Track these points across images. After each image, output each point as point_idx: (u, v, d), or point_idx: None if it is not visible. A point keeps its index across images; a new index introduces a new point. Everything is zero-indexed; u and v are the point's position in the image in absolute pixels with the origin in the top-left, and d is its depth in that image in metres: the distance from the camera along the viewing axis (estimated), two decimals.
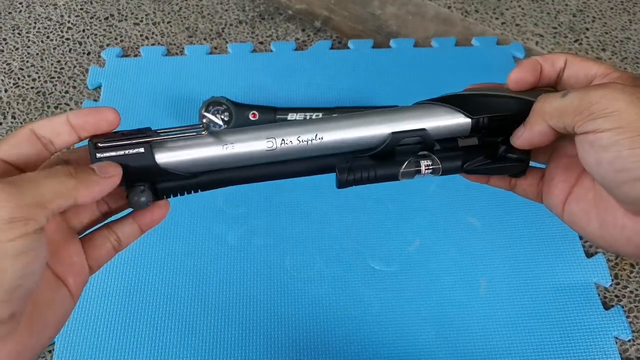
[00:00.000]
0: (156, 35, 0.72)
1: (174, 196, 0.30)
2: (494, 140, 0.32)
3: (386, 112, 0.31)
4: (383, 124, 0.31)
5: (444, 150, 0.32)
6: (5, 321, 0.24)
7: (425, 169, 0.31)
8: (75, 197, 0.26)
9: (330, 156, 0.31)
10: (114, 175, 0.28)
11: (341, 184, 0.30)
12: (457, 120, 0.31)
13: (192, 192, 0.30)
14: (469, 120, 0.31)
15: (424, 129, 0.31)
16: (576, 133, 0.28)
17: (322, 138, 0.30)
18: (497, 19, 0.76)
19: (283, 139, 0.30)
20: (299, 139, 0.30)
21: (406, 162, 0.31)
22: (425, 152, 0.31)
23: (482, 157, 0.32)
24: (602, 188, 0.29)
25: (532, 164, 0.34)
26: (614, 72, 0.30)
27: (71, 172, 0.26)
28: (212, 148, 0.29)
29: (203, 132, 0.29)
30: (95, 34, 0.72)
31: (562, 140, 0.32)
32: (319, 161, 0.31)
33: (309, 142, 0.30)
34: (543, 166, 0.35)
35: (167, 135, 0.29)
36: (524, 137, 0.30)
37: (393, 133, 0.30)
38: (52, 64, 0.69)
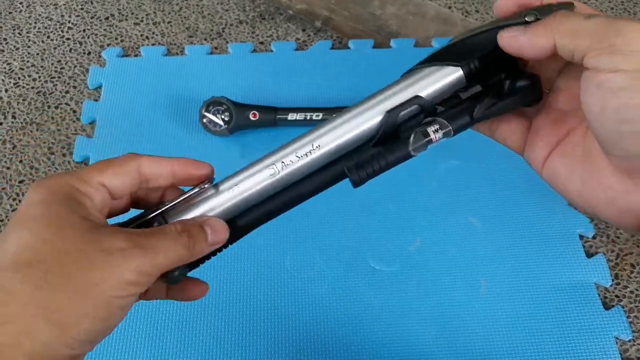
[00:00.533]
0: (156, 35, 0.72)
1: (207, 260, 0.30)
2: (498, 80, 0.30)
3: (374, 95, 0.30)
4: (374, 107, 0.29)
5: (448, 108, 0.30)
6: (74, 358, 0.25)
7: (435, 135, 0.29)
8: (183, 262, 0.27)
9: (339, 161, 0.30)
10: (220, 243, 0.29)
11: (355, 183, 0.29)
12: (447, 73, 0.29)
13: (223, 248, 0.30)
14: (458, 68, 0.29)
15: (417, 96, 0.29)
16: (585, 66, 0.25)
17: (319, 146, 0.29)
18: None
19: (282, 161, 0.29)
20: (297, 155, 0.29)
21: (412, 136, 0.29)
22: (429, 119, 0.29)
23: (488, 99, 0.29)
24: (592, 145, 0.28)
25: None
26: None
27: (189, 244, 0.27)
28: (220, 197, 0.29)
29: (206, 186, 0.29)
30: (96, 34, 0.72)
31: (552, 93, 0.30)
32: (330, 170, 0.30)
33: (309, 154, 0.29)
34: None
35: (174, 202, 0.29)
36: (519, 40, 0.27)
37: (387, 112, 0.29)
38: (52, 64, 0.69)
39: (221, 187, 0.29)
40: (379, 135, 0.29)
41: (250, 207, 0.30)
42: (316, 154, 0.29)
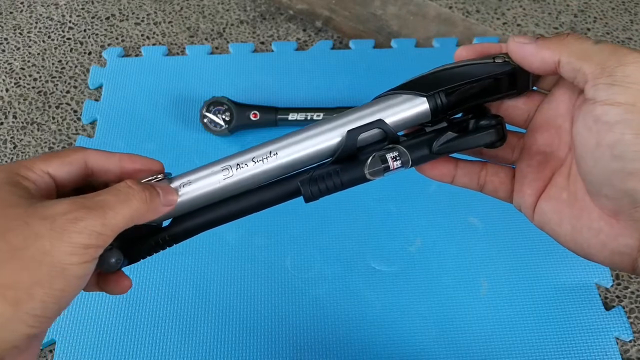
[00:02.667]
0: (157, 35, 0.72)
1: (148, 255, 0.30)
2: (464, 118, 0.29)
3: (341, 114, 0.29)
4: (337, 126, 0.29)
5: (410, 139, 0.29)
6: (33, 339, 0.24)
7: (393, 162, 0.28)
8: (140, 218, 0.27)
9: (295, 176, 0.29)
10: (172, 205, 0.29)
11: (307, 198, 0.29)
12: (412, 103, 0.29)
13: (166, 246, 0.30)
14: (424, 99, 0.29)
15: (379, 120, 0.29)
16: (585, 96, 0.25)
17: (276, 154, 0.29)
18: (498, 19, 0.76)
19: (238, 164, 0.29)
20: (253, 159, 0.29)
21: (370, 159, 0.28)
22: (390, 145, 0.29)
23: (448, 134, 0.29)
24: (576, 187, 0.28)
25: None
26: None
27: (146, 199, 0.27)
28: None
29: (159, 177, 0.29)
30: (97, 34, 0.72)
31: (531, 134, 0.30)
32: (285, 185, 0.29)
33: (265, 160, 0.29)
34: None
35: None
36: (525, 48, 0.27)
37: (348, 131, 0.28)
38: (53, 64, 0.69)
39: (174, 183, 0.29)
40: (338, 154, 0.29)
41: (200, 208, 0.30)
42: (273, 162, 0.29)
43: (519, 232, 0.56)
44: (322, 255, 0.55)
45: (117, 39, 0.72)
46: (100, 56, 0.70)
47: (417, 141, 0.29)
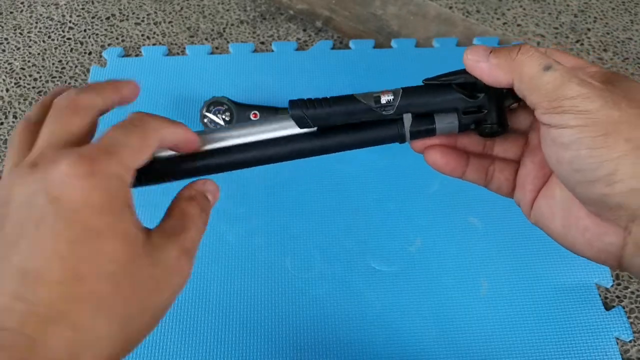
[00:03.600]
0: (157, 35, 0.72)
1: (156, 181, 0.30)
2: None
3: None
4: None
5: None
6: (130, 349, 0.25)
7: (384, 96, 0.29)
8: None
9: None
10: (218, 196, 0.31)
11: (296, 118, 0.29)
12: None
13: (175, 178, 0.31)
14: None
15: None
16: (537, 119, 0.27)
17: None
18: (498, 19, 0.76)
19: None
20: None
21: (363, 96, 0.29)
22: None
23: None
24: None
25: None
26: (593, 66, 0.29)
27: (206, 220, 0.29)
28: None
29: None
30: (97, 34, 0.72)
31: (534, 131, 0.31)
32: (281, 121, 0.30)
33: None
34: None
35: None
36: (479, 67, 0.28)
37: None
38: (53, 64, 0.69)
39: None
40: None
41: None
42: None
43: (519, 232, 0.56)
44: (322, 255, 0.55)
45: (117, 39, 0.72)
46: (101, 56, 0.70)
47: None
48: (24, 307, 0.21)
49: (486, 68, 0.27)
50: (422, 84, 0.30)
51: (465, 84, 0.29)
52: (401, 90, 0.29)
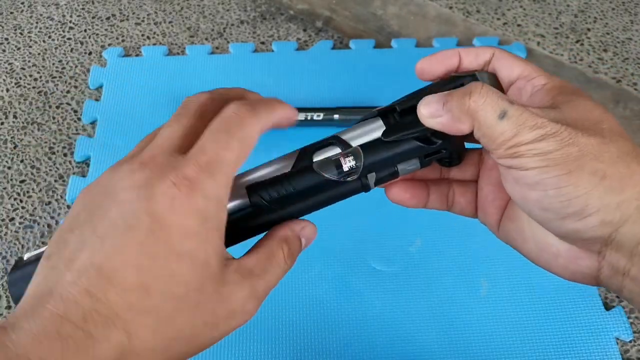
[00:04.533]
0: (157, 35, 0.72)
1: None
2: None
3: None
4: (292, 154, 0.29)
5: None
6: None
7: (344, 158, 0.28)
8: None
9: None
10: (313, 239, 0.31)
11: (252, 204, 0.28)
12: (370, 127, 0.29)
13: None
14: (380, 122, 0.29)
15: (335, 135, 0.29)
16: (497, 162, 0.26)
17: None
18: (498, 19, 0.76)
19: None
20: None
21: (318, 158, 0.28)
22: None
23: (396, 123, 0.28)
24: None
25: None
26: (540, 76, 0.28)
27: (290, 266, 0.28)
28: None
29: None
30: (97, 34, 0.72)
31: (487, 151, 0.30)
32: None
33: None
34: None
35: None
36: (439, 122, 0.26)
37: (300, 151, 0.29)
38: (53, 64, 0.69)
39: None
40: (291, 166, 0.28)
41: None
42: None
43: None
44: (322, 256, 0.55)
45: (117, 39, 0.72)
46: (101, 56, 0.70)
47: (372, 143, 0.28)
48: (91, 305, 0.21)
49: (445, 122, 0.26)
50: (381, 136, 0.29)
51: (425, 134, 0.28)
52: (361, 151, 0.28)
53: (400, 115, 0.29)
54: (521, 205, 0.27)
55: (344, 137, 0.29)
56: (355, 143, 0.29)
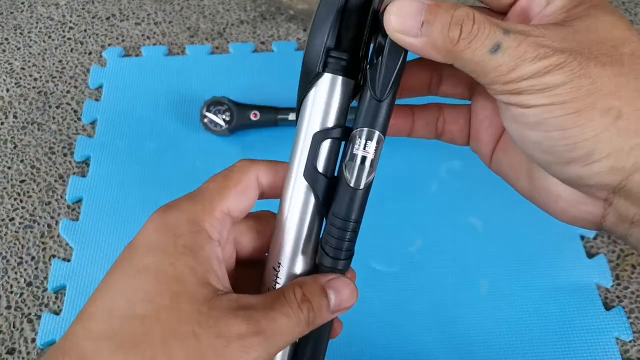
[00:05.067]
0: (157, 35, 0.72)
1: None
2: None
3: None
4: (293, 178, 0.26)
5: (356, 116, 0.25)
6: None
7: (364, 149, 0.25)
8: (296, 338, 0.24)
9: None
10: (351, 301, 0.26)
11: (332, 264, 0.26)
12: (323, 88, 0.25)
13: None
14: (323, 75, 0.24)
15: (315, 134, 0.26)
16: (494, 97, 0.22)
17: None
18: None
19: None
20: None
21: (345, 170, 0.25)
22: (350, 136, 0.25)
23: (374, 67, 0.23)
24: None
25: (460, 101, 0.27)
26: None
27: (309, 319, 0.23)
28: None
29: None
30: (97, 34, 0.72)
31: None
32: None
33: None
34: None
35: None
36: (411, 44, 0.21)
37: (303, 174, 0.25)
38: (53, 64, 0.69)
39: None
40: (319, 199, 0.25)
41: None
42: None
43: (519, 232, 0.56)
44: None
45: (117, 39, 0.72)
46: (101, 56, 0.70)
47: (364, 104, 0.24)
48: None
49: (418, 46, 0.21)
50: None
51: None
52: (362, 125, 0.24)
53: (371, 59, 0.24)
54: (519, 145, 0.24)
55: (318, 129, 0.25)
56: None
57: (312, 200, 0.25)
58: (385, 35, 0.22)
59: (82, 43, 0.71)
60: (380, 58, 0.22)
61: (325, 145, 0.25)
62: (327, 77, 0.24)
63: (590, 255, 0.56)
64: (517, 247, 0.56)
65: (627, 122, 0.20)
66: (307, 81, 0.24)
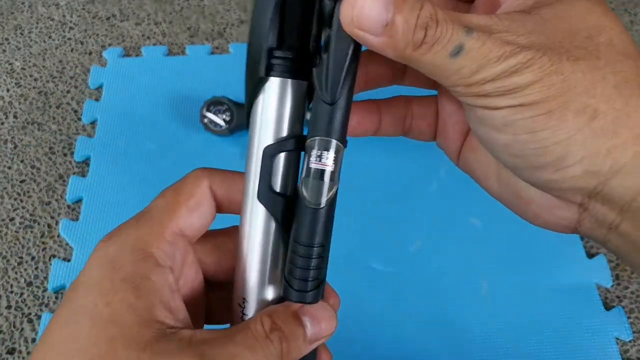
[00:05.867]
0: (157, 35, 0.72)
1: None
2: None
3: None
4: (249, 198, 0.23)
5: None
6: None
7: (318, 160, 0.21)
8: None
9: None
10: (330, 327, 0.22)
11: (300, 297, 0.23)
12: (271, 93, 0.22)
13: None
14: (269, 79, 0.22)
15: (265, 147, 0.23)
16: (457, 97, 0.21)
17: None
18: None
19: None
20: None
21: (302, 187, 0.22)
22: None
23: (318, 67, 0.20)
24: None
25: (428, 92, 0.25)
26: None
27: (282, 351, 0.20)
28: None
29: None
30: (97, 34, 0.72)
31: None
32: None
33: None
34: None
35: None
36: (367, 40, 0.19)
37: (257, 198, 0.22)
38: (53, 64, 0.69)
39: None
40: (280, 223, 0.23)
41: None
42: None
43: (519, 232, 0.56)
44: None
45: (117, 39, 0.72)
46: (101, 56, 0.70)
47: (317, 110, 0.21)
48: None
49: (377, 45, 0.19)
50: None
51: None
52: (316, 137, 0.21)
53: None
54: (487, 148, 0.22)
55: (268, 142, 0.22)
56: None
57: (273, 225, 0.22)
58: (331, 26, 0.19)
59: (82, 43, 0.71)
60: (326, 55, 0.20)
61: (280, 159, 0.22)
62: (273, 82, 0.21)
63: (590, 255, 0.56)
64: (517, 247, 0.56)
65: (603, 122, 0.18)
66: (253, 88, 0.22)
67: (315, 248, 0.22)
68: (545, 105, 0.18)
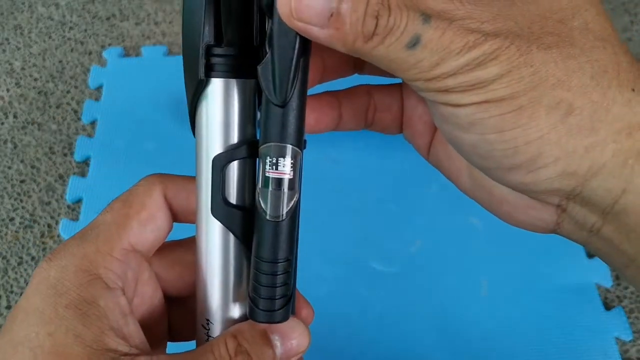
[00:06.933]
0: (157, 34, 0.72)
1: None
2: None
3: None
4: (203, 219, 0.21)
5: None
6: None
7: (275, 168, 0.20)
8: None
9: None
10: (302, 344, 0.21)
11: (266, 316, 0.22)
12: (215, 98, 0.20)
13: None
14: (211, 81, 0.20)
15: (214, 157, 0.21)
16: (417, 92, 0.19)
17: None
18: None
19: None
20: None
21: (258, 197, 0.20)
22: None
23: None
24: None
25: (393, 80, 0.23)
26: None
27: None
28: None
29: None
30: (97, 34, 0.72)
31: None
32: None
33: None
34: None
35: None
36: (312, 33, 0.16)
37: (212, 215, 0.21)
38: (53, 64, 0.69)
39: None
40: (239, 238, 0.21)
41: None
42: None
43: (519, 232, 0.56)
44: (322, 256, 0.55)
45: (117, 39, 0.72)
46: (101, 56, 0.70)
47: (266, 114, 0.19)
48: None
49: (321, 38, 0.16)
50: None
51: None
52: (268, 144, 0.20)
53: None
54: (454, 148, 0.20)
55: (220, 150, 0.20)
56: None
57: (232, 240, 0.21)
58: (272, 17, 0.17)
59: (82, 43, 0.71)
60: (271, 50, 0.17)
61: (233, 169, 0.20)
62: (215, 83, 0.19)
63: (590, 255, 0.56)
64: (517, 247, 0.56)
65: (579, 118, 0.16)
66: (193, 92, 0.19)
67: (280, 264, 0.20)
68: (515, 101, 0.16)
